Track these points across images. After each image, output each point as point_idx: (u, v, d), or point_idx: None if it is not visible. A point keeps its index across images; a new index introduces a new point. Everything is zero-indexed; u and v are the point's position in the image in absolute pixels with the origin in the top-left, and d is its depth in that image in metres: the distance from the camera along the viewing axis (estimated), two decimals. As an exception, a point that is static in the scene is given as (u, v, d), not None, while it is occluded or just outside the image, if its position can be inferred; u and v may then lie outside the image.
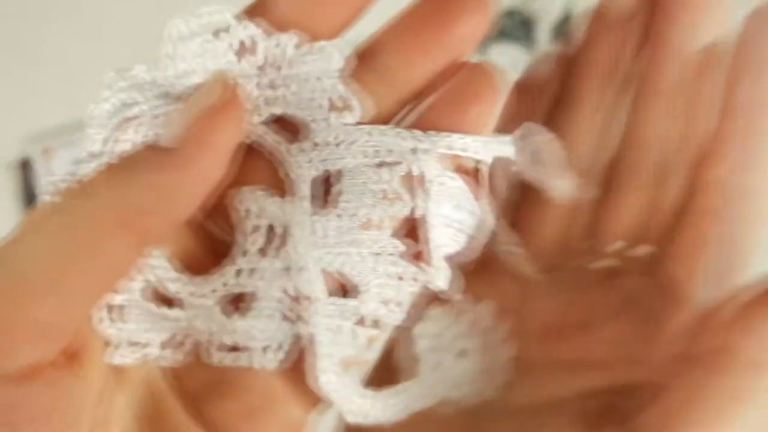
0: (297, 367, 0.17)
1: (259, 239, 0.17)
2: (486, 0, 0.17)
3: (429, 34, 0.18)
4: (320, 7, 0.18)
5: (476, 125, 0.18)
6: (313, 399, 0.18)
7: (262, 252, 0.17)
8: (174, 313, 0.17)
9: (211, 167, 0.16)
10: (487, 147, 0.18)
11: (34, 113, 0.54)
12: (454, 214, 0.17)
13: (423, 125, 0.18)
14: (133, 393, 0.17)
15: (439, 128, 0.17)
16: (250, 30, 0.17)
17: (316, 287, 0.17)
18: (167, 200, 0.16)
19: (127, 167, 0.16)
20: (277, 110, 0.17)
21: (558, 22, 0.52)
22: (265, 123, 0.17)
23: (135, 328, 0.17)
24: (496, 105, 0.18)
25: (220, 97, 0.16)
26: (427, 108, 0.18)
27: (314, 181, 0.17)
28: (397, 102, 0.18)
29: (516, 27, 0.52)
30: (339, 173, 0.17)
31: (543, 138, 0.18)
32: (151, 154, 0.16)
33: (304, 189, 0.17)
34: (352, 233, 0.17)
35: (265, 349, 0.17)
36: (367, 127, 0.17)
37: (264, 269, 0.17)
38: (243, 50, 0.17)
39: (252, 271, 0.17)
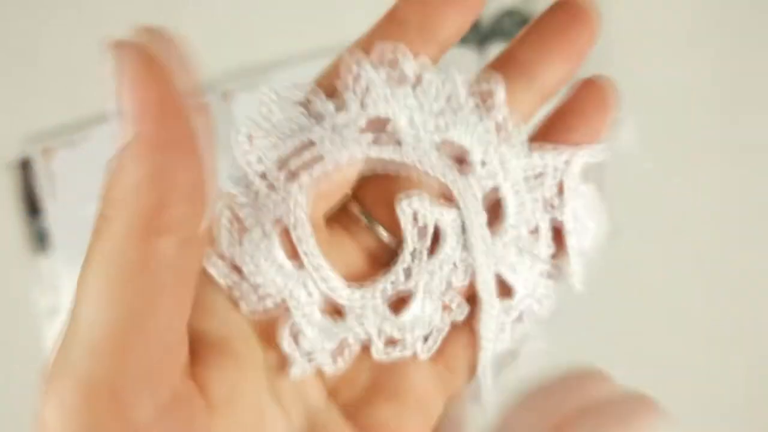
0: (443, 359, 0.19)
1: (427, 239, 0.19)
2: (594, 14, 0.19)
3: (565, 42, 0.19)
4: (441, 13, 0.19)
5: (593, 137, 0.20)
6: (454, 389, 0.20)
7: (430, 250, 0.19)
8: (343, 321, 0.19)
9: (183, 136, 0.15)
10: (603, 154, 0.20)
11: (34, 113, 0.54)
12: (588, 219, 0.20)
13: (547, 133, 0.20)
14: (290, 418, 0.18)
15: (559, 137, 0.20)
16: (421, 62, 0.19)
17: (490, 289, 0.19)
18: (170, 188, 0.15)
19: (114, 176, 0.15)
20: (446, 135, 0.19)
21: (558, 22, 0.52)
22: (436, 148, 0.19)
23: (309, 342, 0.18)
24: (609, 118, 0.20)
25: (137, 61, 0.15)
26: (549, 118, 0.20)
27: (484, 197, 0.19)
28: (537, 104, 0.20)
29: (516, 27, 0.52)
30: (503, 188, 0.19)
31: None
32: (129, 152, 0.15)
33: (476, 204, 0.19)
34: (520, 241, 0.19)
35: (425, 338, 0.19)
36: (526, 146, 0.19)
37: (430, 266, 0.19)
38: (416, 82, 0.19)
39: (420, 268, 0.19)
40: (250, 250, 0.18)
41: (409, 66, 0.19)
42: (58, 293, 0.51)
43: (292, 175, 0.18)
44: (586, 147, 0.19)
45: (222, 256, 0.18)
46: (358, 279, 0.19)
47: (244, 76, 0.54)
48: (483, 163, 0.19)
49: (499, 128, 0.19)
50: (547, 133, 0.20)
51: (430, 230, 0.19)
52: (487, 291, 0.19)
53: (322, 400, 0.19)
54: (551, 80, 0.19)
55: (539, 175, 0.19)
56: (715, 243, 0.52)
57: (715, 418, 0.51)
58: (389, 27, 0.20)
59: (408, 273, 0.19)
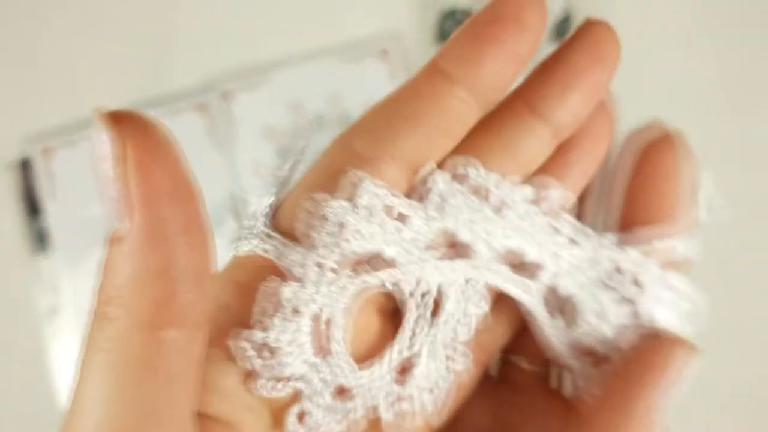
0: None
1: (430, 303, 0.19)
2: (618, 44, 0.18)
3: (581, 77, 0.18)
4: (483, 65, 0.18)
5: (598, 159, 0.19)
6: None
7: (434, 313, 0.19)
8: (351, 401, 0.18)
9: (192, 222, 0.14)
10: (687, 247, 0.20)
11: (34, 113, 0.54)
12: (676, 313, 0.20)
13: (559, 161, 0.19)
14: None
15: (574, 162, 0.19)
16: (492, 178, 0.19)
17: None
18: (177, 279, 0.14)
19: (112, 271, 0.14)
20: (513, 244, 0.19)
21: (558, 22, 0.52)
22: (499, 257, 0.19)
23: (316, 423, 0.18)
24: (610, 137, 0.20)
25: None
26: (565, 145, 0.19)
27: (547, 297, 0.19)
28: (555, 143, 0.19)
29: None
30: (570, 288, 0.19)
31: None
32: (119, 246, 0.14)
33: (539, 308, 0.19)
34: (594, 333, 0.19)
35: (431, 390, 0.19)
36: (596, 249, 0.19)
37: (434, 329, 0.19)
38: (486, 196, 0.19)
39: (423, 332, 0.19)
40: (279, 328, 0.17)
41: (497, 191, 0.19)
42: (58, 293, 0.51)
43: (352, 270, 0.18)
44: (665, 237, 0.19)
45: (249, 334, 0.17)
46: (366, 330, 0.19)
47: (244, 76, 0.54)
48: (545, 265, 0.19)
49: (559, 230, 0.19)
50: (558, 156, 0.19)
51: (433, 294, 0.19)
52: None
53: None
54: (566, 117, 0.19)
55: (614, 271, 0.19)
56: (717, 243, 0.52)
57: (714, 420, 0.51)
58: (431, 78, 0.18)
59: (412, 339, 0.19)
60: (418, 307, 0.19)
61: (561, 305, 0.20)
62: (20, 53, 0.55)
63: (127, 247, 0.13)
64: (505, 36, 0.17)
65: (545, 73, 0.18)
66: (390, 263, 0.18)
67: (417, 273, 0.18)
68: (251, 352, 0.17)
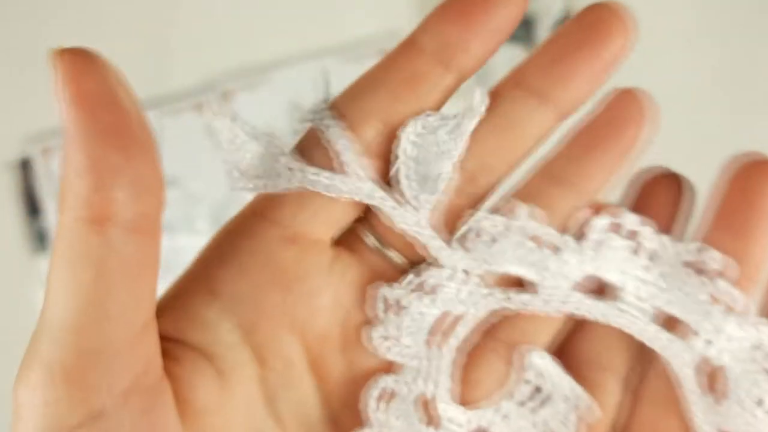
0: None
1: (526, 393, 0.19)
2: (629, 24, 0.18)
3: (581, 57, 0.18)
4: (461, 41, 0.18)
5: (628, 151, 0.19)
6: None
7: (522, 404, 0.19)
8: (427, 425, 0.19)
9: (121, 126, 0.16)
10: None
11: (34, 113, 0.54)
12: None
13: (574, 149, 0.19)
14: None
15: (590, 152, 0.19)
16: (643, 229, 0.19)
17: None
18: (107, 174, 0.15)
19: (61, 168, 0.16)
20: (662, 305, 0.19)
21: (558, 22, 0.52)
22: (653, 318, 0.19)
23: (398, 418, 0.19)
24: (647, 131, 0.19)
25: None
26: (580, 132, 0.19)
27: (697, 368, 0.19)
28: (556, 122, 0.19)
29: (516, 27, 0.52)
30: (721, 358, 0.19)
31: None
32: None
33: (690, 378, 0.18)
34: (743, 405, 0.19)
35: None
36: (750, 316, 0.19)
37: (535, 417, 0.19)
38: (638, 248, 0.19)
39: (505, 417, 0.19)
40: (415, 302, 0.19)
41: (648, 240, 0.19)
42: (58, 293, 0.51)
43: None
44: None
45: (388, 289, 0.19)
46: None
47: (244, 76, 0.54)
48: (697, 332, 0.18)
49: (718, 299, 0.18)
50: (572, 145, 0.19)
51: (545, 393, 0.19)
52: None
53: (326, 423, 0.19)
54: (566, 95, 0.19)
55: (759, 346, 0.18)
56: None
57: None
58: (406, 53, 0.19)
59: (495, 414, 0.19)
60: (521, 393, 0.19)
61: (711, 379, 0.19)
62: (20, 53, 0.55)
63: (64, 148, 0.15)
64: (475, 11, 0.18)
65: (546, 50, 0.19)
66: (533, 289, 0.19)
67: (560, 305, 0.19)
68: (381, 304, 0.18)
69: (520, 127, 0.19)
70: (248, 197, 0.20)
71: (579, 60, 0.19)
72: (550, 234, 0.19)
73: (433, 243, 0.19)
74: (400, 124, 0.19)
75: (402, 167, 0.18)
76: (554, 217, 0.19)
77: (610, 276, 0.19)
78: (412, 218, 0.18)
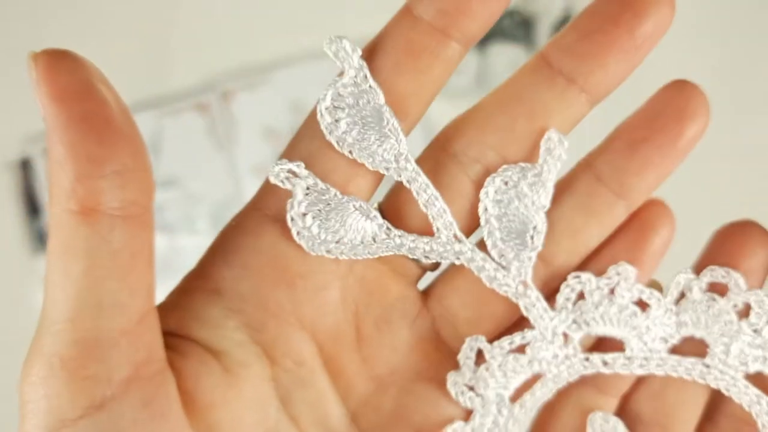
0: None
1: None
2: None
3: (618, 35, 0.18)
4: (462, 10, 0.18)
5: (689, 146, 0.19)
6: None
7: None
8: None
9: (99, 115, 0.16)
10: None
11: (34, 113, 0.54)
12: None
13: (628, 148, 0.19)
14: None
15: (641, 146, 0.19)
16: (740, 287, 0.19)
17: None
18: (86, 163, 0.15)
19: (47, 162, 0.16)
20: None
21: (558, 22, 0.52)
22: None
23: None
24: (706, 124, 0.19)
25: None
26: (632, 124, 0.19)
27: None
28: (591, 106, 0.19)
29: (516, 27, 0.52)
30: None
31: None
32: None
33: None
34: None
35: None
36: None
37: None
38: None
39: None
40: (505, 360, 0.19)
41: (759, 309, 0.19)
42: (58, 293, 0.51)
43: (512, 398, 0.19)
44: None
45: (482, 341, 0.19)
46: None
47: (244, 76, 0.54)
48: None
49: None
50: (624, 141, 0.19)
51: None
52: None
53: (344, 422, 0.19)
54: (603, 78, 0.18)
55: None
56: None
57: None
58: (403, 22, 0.18)
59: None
60: None
61: None
62: (20, 53, 0.55)
63: (46, 140, 0.16)
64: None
65: (575, 27, 0.18)
66: (620, 348, 0.19)
67: (656, 368, 0.19)
68: (473, 355, 0.19)
69: (554, 111, 0.18)
70: (248, 197, 0.19)
71: (611, 38, 0.18)
72: (652, 296, 0.19)
73: (535, 305, 0.19)
74: (404, 99, 0.18)
75: (487, 228, 0.18)
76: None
77: (701, 334, 0.19)
78: (512, 280, 0.18)
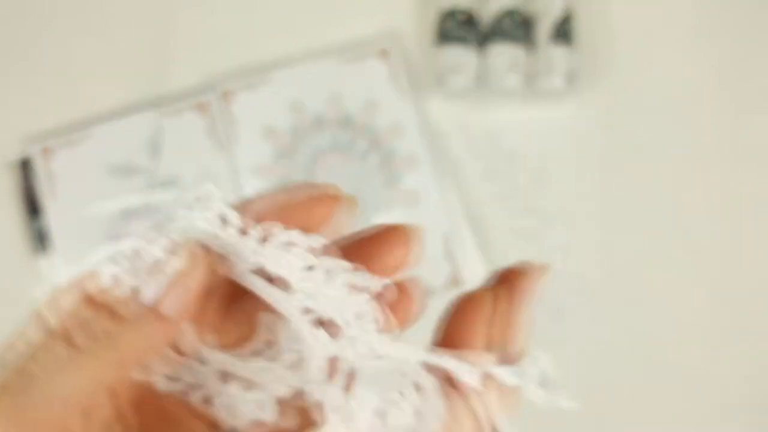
0: None
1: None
2: (411, 240, 0.20)
3: (372, 260, 0.20)
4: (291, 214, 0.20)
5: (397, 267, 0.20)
6: None
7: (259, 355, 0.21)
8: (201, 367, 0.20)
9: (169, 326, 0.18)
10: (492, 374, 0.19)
11: (34, 113, 0.54)
12: None
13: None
14: None
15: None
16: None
17: None
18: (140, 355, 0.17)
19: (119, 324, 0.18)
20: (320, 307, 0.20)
21: (558, 22, 0.52)
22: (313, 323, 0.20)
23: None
24: (411, 250, 0.20)
25: (187, 263, 0.19)
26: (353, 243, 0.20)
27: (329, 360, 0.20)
28: None
29: (516, 27, 0.52)
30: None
31: (547, 361, 0.19)
32: (137, 311, 0.18)
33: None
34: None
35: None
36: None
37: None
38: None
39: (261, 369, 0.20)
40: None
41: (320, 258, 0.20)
42: (58, 293, 0.51)
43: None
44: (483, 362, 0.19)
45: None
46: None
47: (244, 76, 0.54)
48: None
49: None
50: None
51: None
52: None
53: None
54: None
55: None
56: (720, 243, 0.52)
57: (715, 420, 0.51)
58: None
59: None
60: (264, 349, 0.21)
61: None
62: (20, 53, 0.55)
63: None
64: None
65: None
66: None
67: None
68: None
69: None
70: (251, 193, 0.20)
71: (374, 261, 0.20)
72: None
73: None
74: None
75: None
76: None
77: (281, 272, 0.20)
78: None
